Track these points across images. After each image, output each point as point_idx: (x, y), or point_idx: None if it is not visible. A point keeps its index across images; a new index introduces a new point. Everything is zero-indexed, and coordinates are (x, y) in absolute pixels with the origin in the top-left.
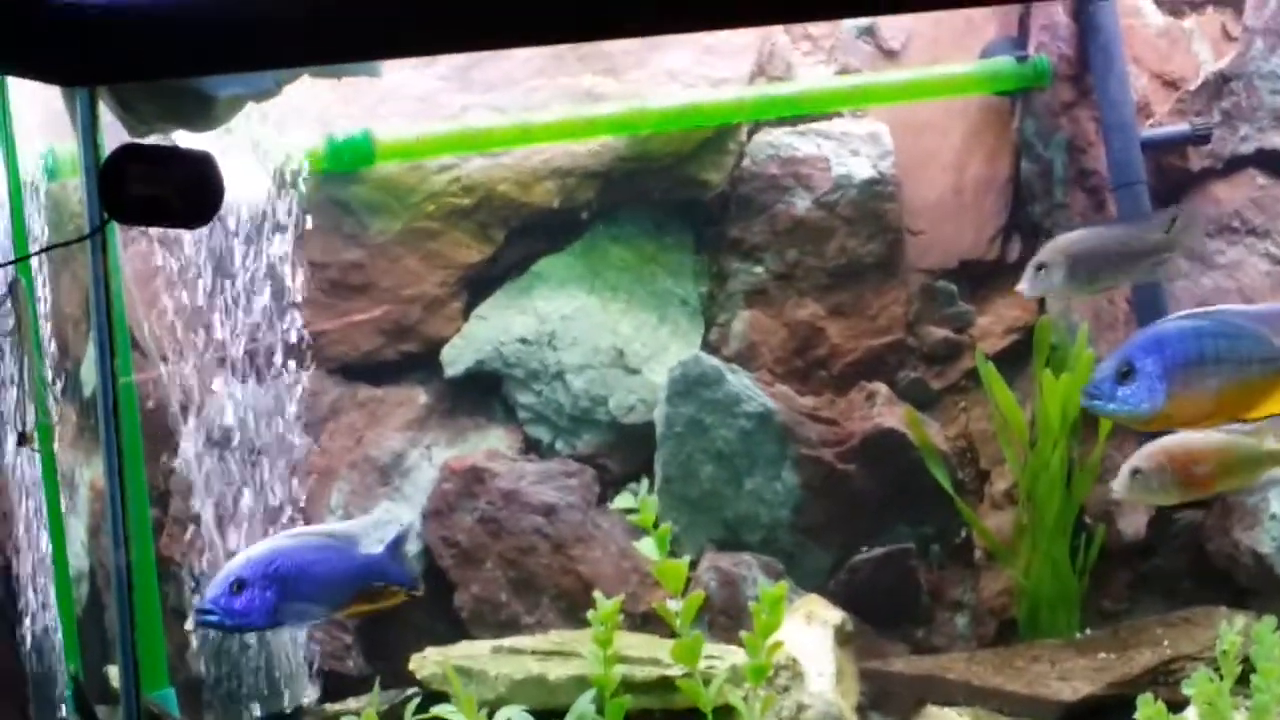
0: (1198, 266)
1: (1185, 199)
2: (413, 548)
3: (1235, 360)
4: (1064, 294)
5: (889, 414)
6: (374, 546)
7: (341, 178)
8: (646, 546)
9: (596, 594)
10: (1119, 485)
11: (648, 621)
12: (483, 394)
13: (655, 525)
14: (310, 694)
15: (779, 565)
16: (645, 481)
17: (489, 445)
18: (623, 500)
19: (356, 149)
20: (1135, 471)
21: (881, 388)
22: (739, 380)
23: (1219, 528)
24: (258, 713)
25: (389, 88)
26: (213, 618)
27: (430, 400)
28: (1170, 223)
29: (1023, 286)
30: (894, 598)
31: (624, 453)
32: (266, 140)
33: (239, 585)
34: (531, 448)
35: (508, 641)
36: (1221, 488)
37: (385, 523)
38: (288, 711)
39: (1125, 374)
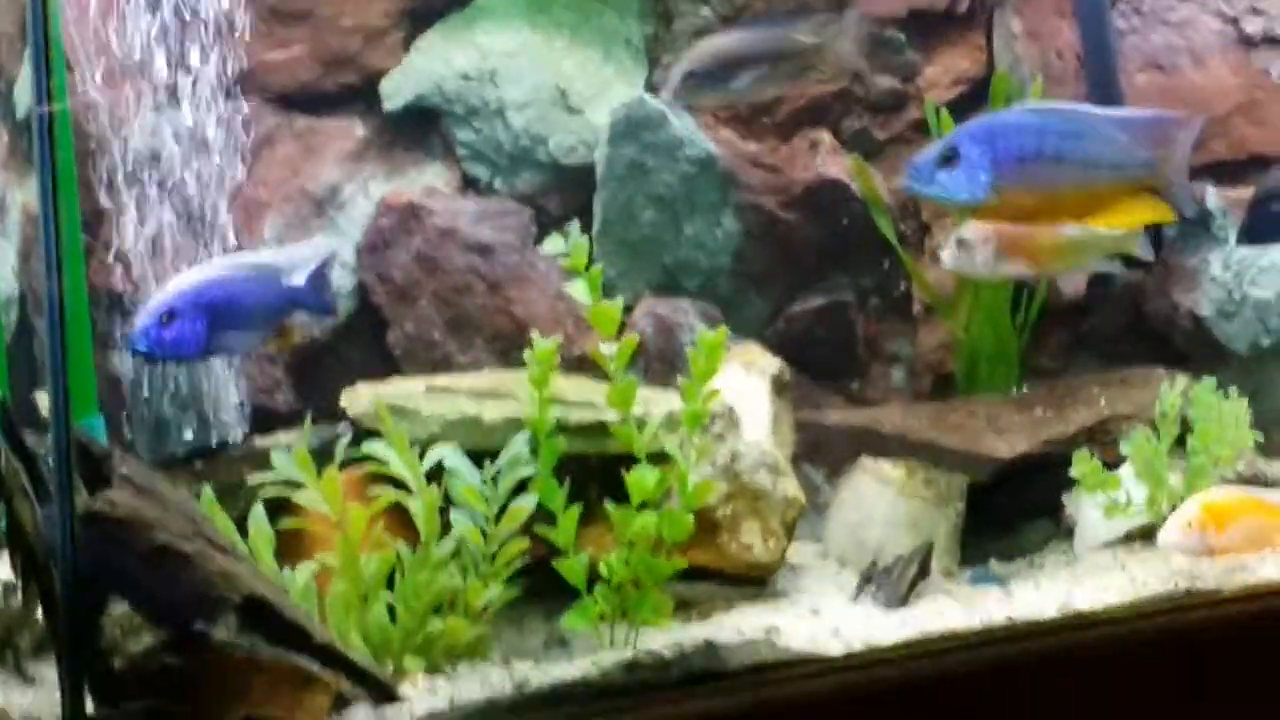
0: (1149, 21)
1: None
2: (346, 282)
3: (1080, 162)
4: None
5: (833, 163)
6: (298, 278)
7: None
8: (578, 289)
9: (534, 334)
10: (945, 255)
11: (582, 365)
12: (422, 129)
13: (587, 268)
14: (239, 428)
15: (717, 312)
16: (576, 223)
17: (426, 181)
18: (552, 243)
19: None
20: (960, 241)
21: (826, 136)
22: (682, 124)
23: (1158, 289)
24: (187, 443)
25: None
26: (142, 347)
27: (368, 134)
28: (823, 27)
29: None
30: (831, 349)
31: (563, 194)
32: None
33: (169, 316)
34: (470, 185)
35: (441, 380)
36: (1049, 269)
37: (308, 255)
38: (215, 444)
39: (949, 159)
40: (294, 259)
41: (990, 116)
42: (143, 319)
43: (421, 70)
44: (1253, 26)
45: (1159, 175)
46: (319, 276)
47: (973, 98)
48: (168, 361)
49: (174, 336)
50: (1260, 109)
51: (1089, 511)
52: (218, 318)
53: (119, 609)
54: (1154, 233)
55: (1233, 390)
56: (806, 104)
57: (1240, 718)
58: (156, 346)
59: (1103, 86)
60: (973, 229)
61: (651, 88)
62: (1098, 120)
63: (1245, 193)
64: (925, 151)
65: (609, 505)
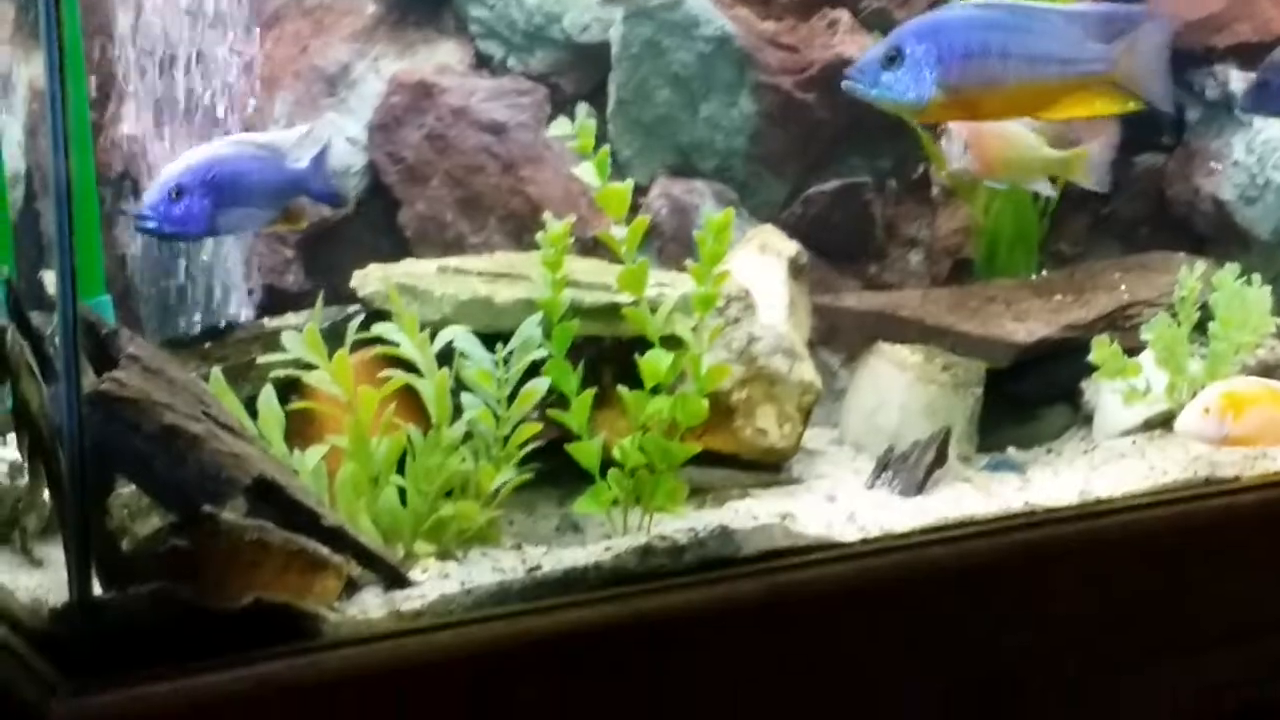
0: None
1: None
2: (357, 161)
3: (1027, 57)
4: None
5: (851, 43)
6: (303, 162)
7: None
8: (586, 172)
9: (546, 215)
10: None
11: (597, 248)
12: (434, 6)
13: (595, 149)
14: (249, 308)
15: (732, 194)
16: (584, 105)
17: (439, 60)
18: (559, 126)
19: None
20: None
21: (844, 15)
22: (698, 0)
23: (1180, 174)
24: (196, 324)
25: None
26: (150, 224)
27: (379, 10)
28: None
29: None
30: (848, 232)
31: (578, 73)
32: None
33: (178, 192)
34: (483, 64)
35: (453, 261)
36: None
37: (310, 139)
38: (225, 325)
39: (892, 59)
40: (298, 142)
41: (934, 14)
42: (150, 195)
43: None
44: None
45: (1118, 70)
46: (320, 163)
47: None
48: (175, 239)
49: (181, 213)
50: None
51: (1108, 398)
52: (224, 195)
53: (126, 490)
54: (1177, 116)
55: (1255, 277)
56: None
57: (1264, 595)
58: (165, 223)
59: None
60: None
61: None
62: (1049, 14)
63: None
64: (868, 52)
65: (621, 389)
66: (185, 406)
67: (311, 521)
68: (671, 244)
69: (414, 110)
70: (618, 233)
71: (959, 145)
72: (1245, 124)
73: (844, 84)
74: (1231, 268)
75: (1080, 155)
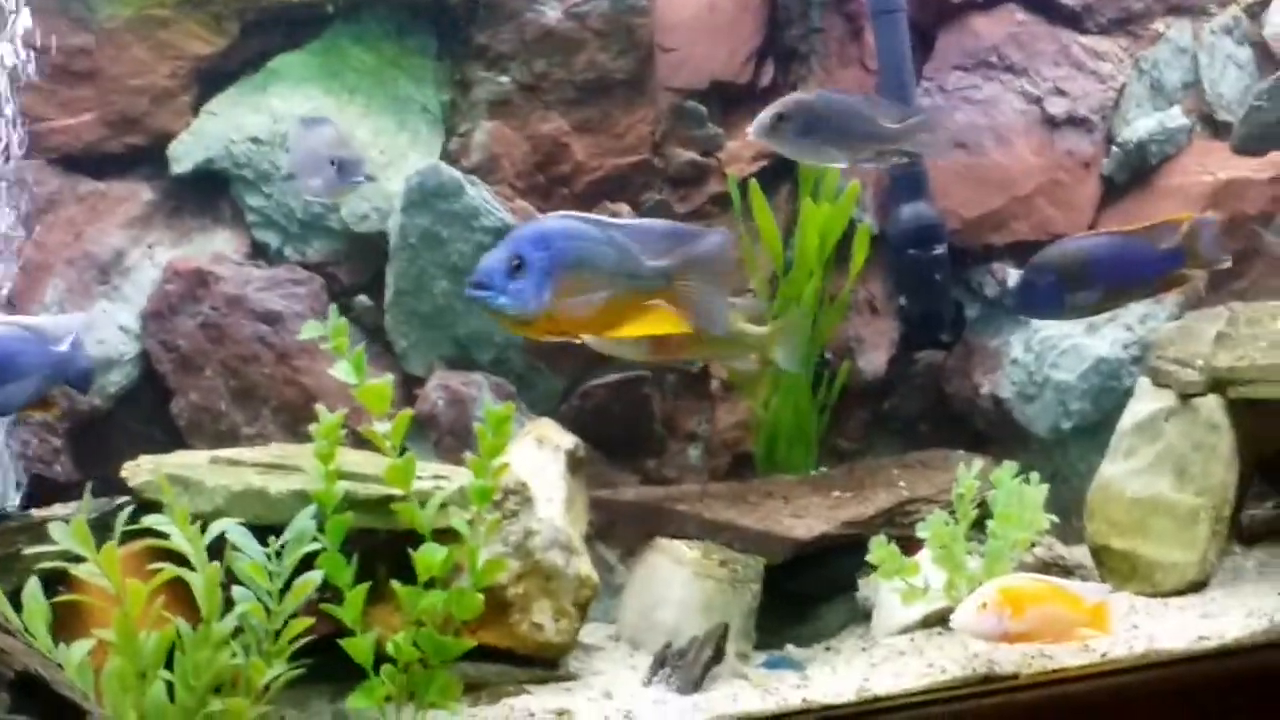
0: (953, 99)
1: (944, 31)
2: (129, 349)
3: (607, 271)
4: (792, 151)
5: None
6: (64, 345)
7: None
8: (342, 370)
9: (319, 407)
10: None
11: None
12: (210, 194)
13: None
14: (14, 498)
15: (510, 386)
16: (334, 307)
17: (215, 248)
18: (311, 328)
19: None
20: None
21: (625, 208)
22: (478, 193)
23: (959, 370)
24: None
25: None
26: None
27: (155, 197)
28: (908, 120)
29: (751, 131)
30: (627, 426)
31: (355, 262)
32: None
33: None
34: (259, 253)
35: (226, 452)
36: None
37: (70, 323)
38: None
39: (518, 266)
40: (59, 326)
41: (537, 222)
42: None
43: (211, 133)
44: (1056, 107)
45: (672, 287)
46: (78, 346)
47: (774, 172)
48: None
49: None
50: (1063, 190)
51: (887, 595)
52: None
53: None
54: (955, 313)
55: (1033, 474)
56: (606, 175)
57: None
58: None
59: (905, 164)
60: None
61: (449, 156)
62: (622, 228)
63: None
64: (490, 261)
65: (395, 584)
66: None
67: (76, 717)
68: (449, 436)
69: (189, 298)
70: (381, 428)
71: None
72: (1024, 322)
73: (470, 294)
74: (1009, 465)
75: (775, 332)
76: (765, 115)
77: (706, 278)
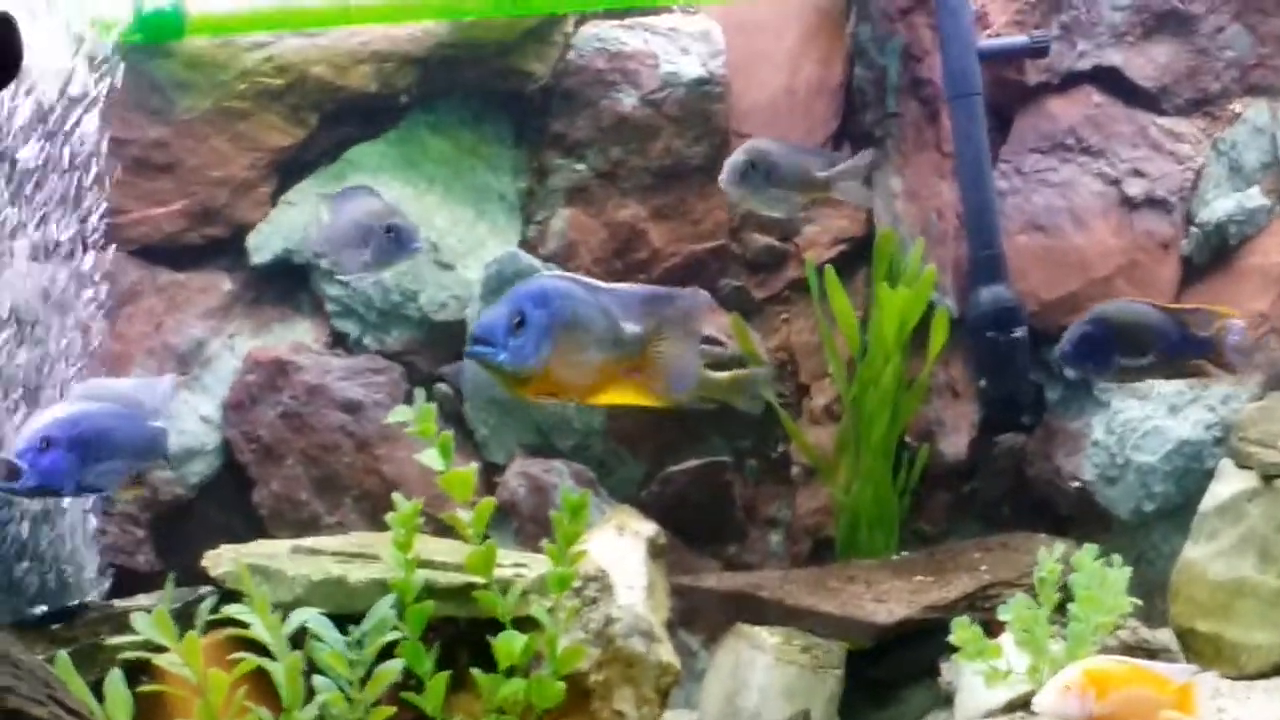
0: (1030, 181)
1: (1020, 113)
2: (211, 440)
3: (597, 334)
4: (758, 201)
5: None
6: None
7: (149, 50)
8: (429, 457)
9: (396, 496)
10: None
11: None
12: (289, 284)
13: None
14: (99, 589)
15: (590, 473)
16: (421, 391)
17: (294, 338)
18: (399, 413)
19: (165, 21)
20: None
21: (703, 293)
22: (551, 280)
23: (1041, 453)
24: (42, 607)
25: None
26: (12, 484)
27: (235, 288)
28: (832, 165)
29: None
30: (707, 512)
31: (434, 351)
32: (71, 6)
33: (46, 443)
34: (338, 342)
35: (307, 541)
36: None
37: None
38: (74, 606)
39: (520, 323)
40: (149, 390)
41: (534, 280)
42: (20, 444)
43: (289, 224)
44: (1134, 189)
45: (645, 353)
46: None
47: (852, 256)
48: (40, 494)
49: (50, 465)
50: (1141, 271)
51: (969, 679)
52: (89, 451)
53: None
54: (1035, 395)
55: (1115, 557)
56: (683, 261)
57: None
58: (32, 475)
59: (984, 247)
60: None
61: (527, 244)
62: (610, 294)
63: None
64: (491, 318)
65: (476, 672)
66: (30, 690)
67: None
68: (529, 524)
69: (270, 388)
70: (464, 515)
71: None
72: (1104, 404)
73: (471, 351)
74: (1090, 549)
75: (740, 378)
76: (737, 159)
77: (679, 337)
